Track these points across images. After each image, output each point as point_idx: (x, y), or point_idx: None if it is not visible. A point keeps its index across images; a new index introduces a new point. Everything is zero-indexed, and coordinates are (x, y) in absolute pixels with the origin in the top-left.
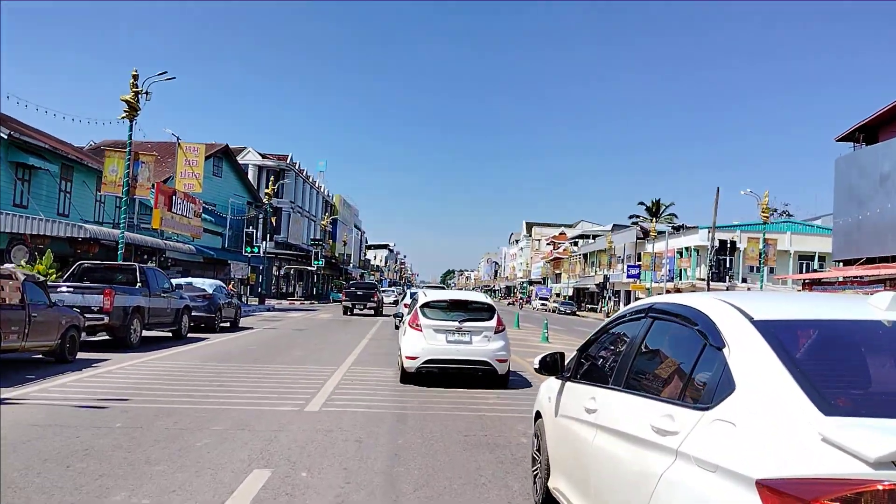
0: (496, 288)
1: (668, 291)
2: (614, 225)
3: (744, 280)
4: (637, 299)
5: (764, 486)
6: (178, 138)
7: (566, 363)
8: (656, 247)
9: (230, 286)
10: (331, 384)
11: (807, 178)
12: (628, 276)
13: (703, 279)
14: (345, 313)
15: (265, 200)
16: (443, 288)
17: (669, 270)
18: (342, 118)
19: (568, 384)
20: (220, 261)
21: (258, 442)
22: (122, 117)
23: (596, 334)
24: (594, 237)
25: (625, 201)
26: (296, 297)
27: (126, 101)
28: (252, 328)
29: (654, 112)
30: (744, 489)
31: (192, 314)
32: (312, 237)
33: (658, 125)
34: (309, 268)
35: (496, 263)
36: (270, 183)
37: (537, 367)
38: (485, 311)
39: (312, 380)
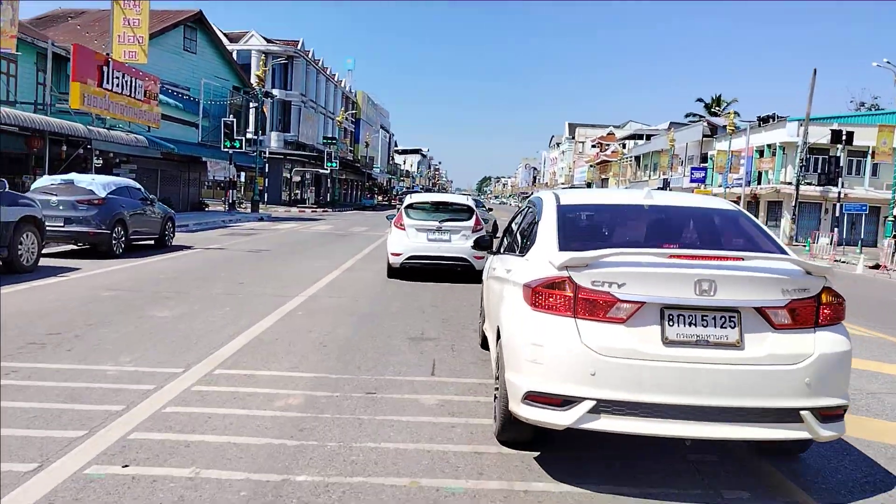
0: None
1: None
2: (672, 122)
3: (841, 185)
4: None
5: (523, 286)
6: None
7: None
8: (731, 145)
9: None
10: (80, 457)
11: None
12: (692, 181)
13: (790, 182)
14: None
15: (255, 85)
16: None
17: (747, 172)
18: (376, 20)
19: (493, 256)
20: (194, 158)
21: None
22: None
23: (510, 221)
24: (648, 137)
25: (678, 100)
26: (308, 205)
27: None
28: (191, 248)
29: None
30: (521, 290)
31: (64, 230)
32: (326, 136)
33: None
34: (321, 170)
35: (535, 169)
36: (262, 65)
37: (472, 245)
38: (464, 213)
39: (66, 430)
